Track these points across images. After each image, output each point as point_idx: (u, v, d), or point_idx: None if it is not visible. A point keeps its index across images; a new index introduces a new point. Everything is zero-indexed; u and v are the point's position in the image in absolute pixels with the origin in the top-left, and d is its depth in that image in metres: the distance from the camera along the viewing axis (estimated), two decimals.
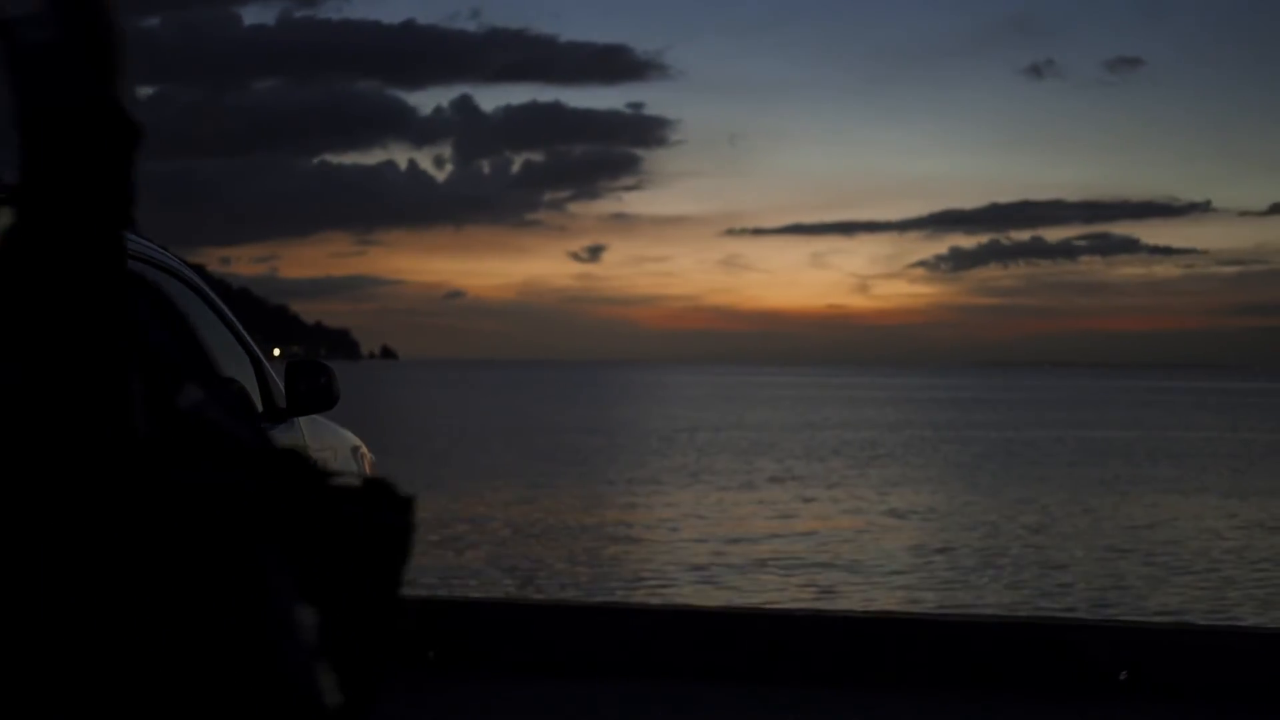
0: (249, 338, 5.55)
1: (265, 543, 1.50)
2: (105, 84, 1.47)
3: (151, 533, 1.43)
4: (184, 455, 1.50)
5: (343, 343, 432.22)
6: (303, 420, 5.71)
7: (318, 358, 9.95)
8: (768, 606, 13.76)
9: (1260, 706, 6.86)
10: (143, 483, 1.43)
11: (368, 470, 6.38)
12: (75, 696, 1.43)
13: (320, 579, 1.57)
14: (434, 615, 7.42)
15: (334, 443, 6.18)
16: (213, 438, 1.53)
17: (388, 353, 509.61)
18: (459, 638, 7.42)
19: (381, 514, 1.65)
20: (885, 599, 16.67)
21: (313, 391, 5.57)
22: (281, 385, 5.56)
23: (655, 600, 15.35)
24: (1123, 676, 7.02)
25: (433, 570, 17.26)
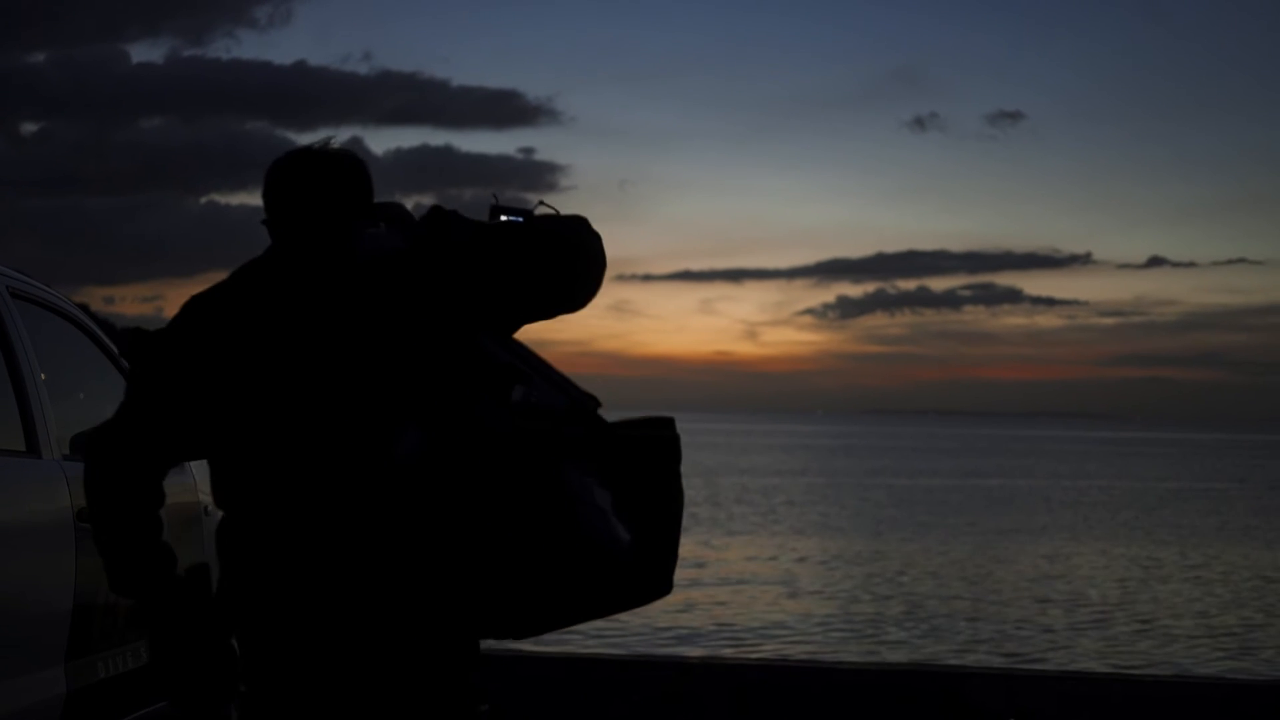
0: None
1: (570, 460, 2.81)
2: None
3: (511, 455, 2.79)
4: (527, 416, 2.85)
5: None
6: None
7: None
8: (663, 654, 13.70)
9: None
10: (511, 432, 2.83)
11: None
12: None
13: (626, 480, 2.86)
14: None
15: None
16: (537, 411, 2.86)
17: None
18: None
19: (652, 432, 2.92)
20: (780, 646, 16.67)
21: None
22: None
23: (547, 648, 15.22)
24: None
25: None
